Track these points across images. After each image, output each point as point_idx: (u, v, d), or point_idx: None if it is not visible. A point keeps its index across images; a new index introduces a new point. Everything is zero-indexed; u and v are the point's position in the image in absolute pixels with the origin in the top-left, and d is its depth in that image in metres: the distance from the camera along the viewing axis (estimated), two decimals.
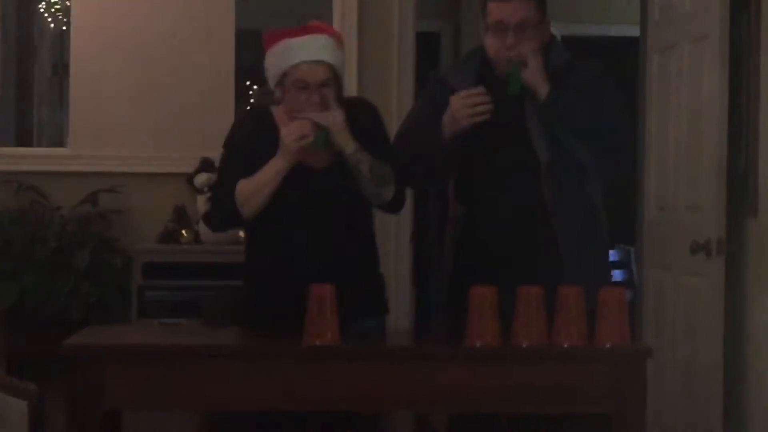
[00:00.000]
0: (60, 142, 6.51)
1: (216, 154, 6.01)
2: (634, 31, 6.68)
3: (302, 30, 4.24)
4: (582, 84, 4.40)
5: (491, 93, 4.33)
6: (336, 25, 6.21)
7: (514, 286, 3.85)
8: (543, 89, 4.30)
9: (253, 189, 4.18)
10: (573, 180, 4.40)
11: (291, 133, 4.05)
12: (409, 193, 5.49)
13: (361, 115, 4.32)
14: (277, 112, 4.26)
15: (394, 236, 6.10)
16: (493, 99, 4.33)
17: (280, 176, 4.16)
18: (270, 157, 4.18)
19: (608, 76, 4.52)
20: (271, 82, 4.25)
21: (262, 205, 4.19)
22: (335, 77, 4.19)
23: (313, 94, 4.10)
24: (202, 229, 5.92)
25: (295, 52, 4.13)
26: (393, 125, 6.04)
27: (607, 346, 3.76)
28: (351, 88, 6.15)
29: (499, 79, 4.37)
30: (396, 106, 6.20)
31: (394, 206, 4.41)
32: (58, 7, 7.42)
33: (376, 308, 4.44)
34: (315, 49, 4.15)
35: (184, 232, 5.98)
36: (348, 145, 4.20)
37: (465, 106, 4.20)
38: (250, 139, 4.31)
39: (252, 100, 8.76)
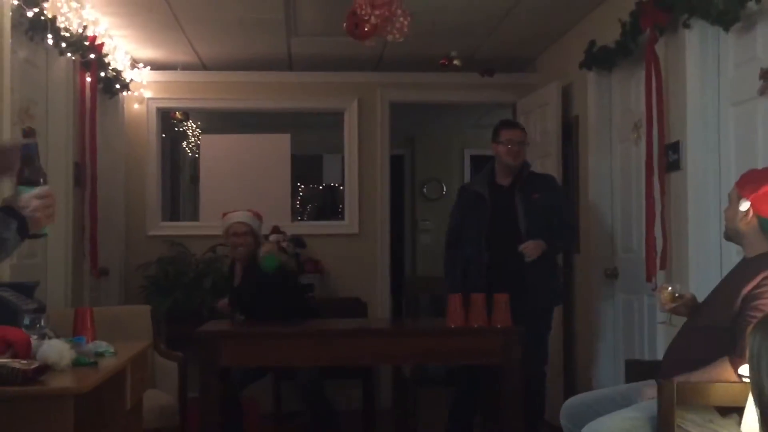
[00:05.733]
0: (195, 218, 6.53)
1: (279, 224, 6.03)
2: None
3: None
4: (544, 183, 4.37)
5: (494, 191, 4.27)
6: (346, 151, 6.21)
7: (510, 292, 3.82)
8: (536, 254, 4.10)
9: None
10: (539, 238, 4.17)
11: None
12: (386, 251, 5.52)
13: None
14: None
15: (379, 273, 6.08)
16: (493, 194, 4.27)
17: None
18: None
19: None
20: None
21: None
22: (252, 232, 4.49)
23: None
24: None
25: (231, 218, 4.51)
26: (376, 210, 6.12)
27: (499, 326, 3.77)
28: (353, 185, 6.19)
29: (501, 185, 4.29)
30: (380, 195, 6.16)
31: None
32: (193, 144, 7.53)
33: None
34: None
35: None
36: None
37: None
38: None
39: (301, 194, 8.78)
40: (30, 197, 1.84)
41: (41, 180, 1.91)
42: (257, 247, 4.45)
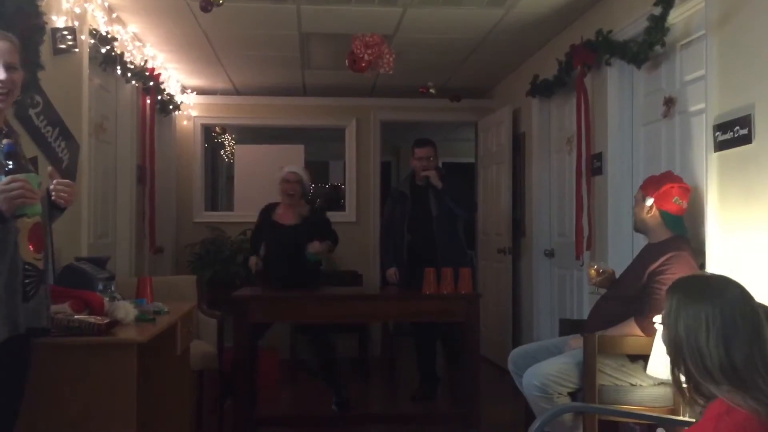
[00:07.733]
0: (230, 209, 6.50)
1: None
2: (472, 159, 6.63)
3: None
4: (451, 180, 4.34)
5: (414, 190, 4.34)
6: (347, 158, 6.16)
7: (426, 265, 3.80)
8: (440, 184, 4.26)
9: None
10: (446, 220, 4.31)
11: None
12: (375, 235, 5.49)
13: (318, 217, 4.29)
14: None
15: (372, 252, 6.07)
16: (413, 192, 4.34)
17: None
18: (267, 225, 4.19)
19: (461, 178, 4.54)
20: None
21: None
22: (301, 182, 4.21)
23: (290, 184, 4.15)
24: None
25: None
26: (370, 204, 6.07)
27: (463, 292, 3.72)
28: (352, 184, 6.17)
29: (418, 185, 4.33)
30: (372, 192, 6.13)
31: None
32: (229, 152, 7.44)
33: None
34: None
35: None
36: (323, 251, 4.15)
37: None
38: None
39: (312, 191, 8.68)
40: None
41: (23, 172, 1.70)
42: (304, 196, 4.19)
